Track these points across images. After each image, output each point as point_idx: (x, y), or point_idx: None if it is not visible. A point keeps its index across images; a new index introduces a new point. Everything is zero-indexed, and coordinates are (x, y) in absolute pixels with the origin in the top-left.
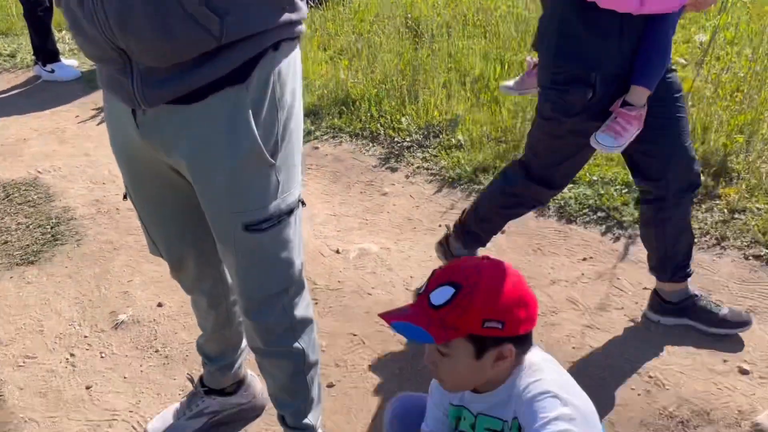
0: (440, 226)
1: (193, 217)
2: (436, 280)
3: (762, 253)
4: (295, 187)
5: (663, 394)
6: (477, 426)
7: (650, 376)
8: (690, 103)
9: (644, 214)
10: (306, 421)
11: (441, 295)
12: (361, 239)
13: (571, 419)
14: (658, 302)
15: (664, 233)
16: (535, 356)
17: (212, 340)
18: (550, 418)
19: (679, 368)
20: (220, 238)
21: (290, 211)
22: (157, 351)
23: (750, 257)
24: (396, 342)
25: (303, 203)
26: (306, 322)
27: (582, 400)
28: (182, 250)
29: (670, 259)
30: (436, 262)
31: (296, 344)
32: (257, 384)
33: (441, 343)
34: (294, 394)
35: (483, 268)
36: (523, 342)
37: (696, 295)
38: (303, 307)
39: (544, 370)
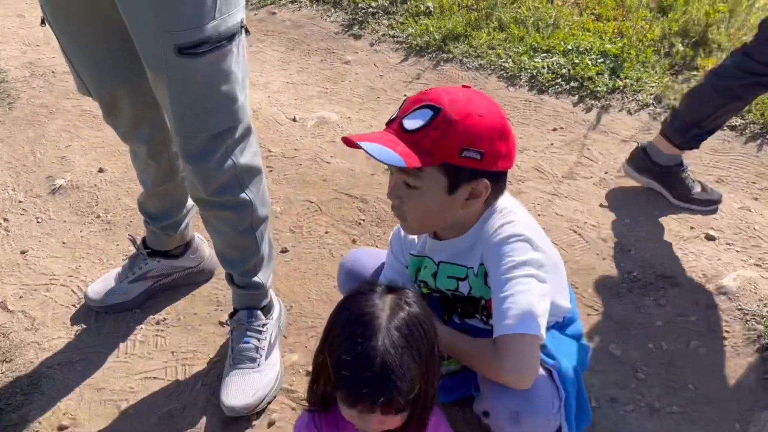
0: (405, 96)
1: (125, 48)
2: (411, 103)
3: (735, 124)
4: (237, 11)
5: (628, 259)
6: (439, 274)
7: (616, 242)
8: None
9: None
10: (256, 279)
11: (417, 118)
12: (319, 108)
13: (540, 266)
14: (643, 159)
15: (724, 106)
16: (507, 200)
17: (154, 196)
18: (518, 262)
19: (646, 234)
20: (151, 64)
21: (231, 37)
22: (98, 217)
23: (723, 127)
24: (354, 210)
25: (247, 31)
26: (253, 171)
27: (552, 250)
28: (115, 89)
29: (698, 127)
30: None
31: (243, 195)
32: (206, 248)
33: (412, 167)
34: (242, 250)
35: (466, 94)
36: (499, 180)
37: (683, 166)
38: (250, 155)
39: (516, 213)
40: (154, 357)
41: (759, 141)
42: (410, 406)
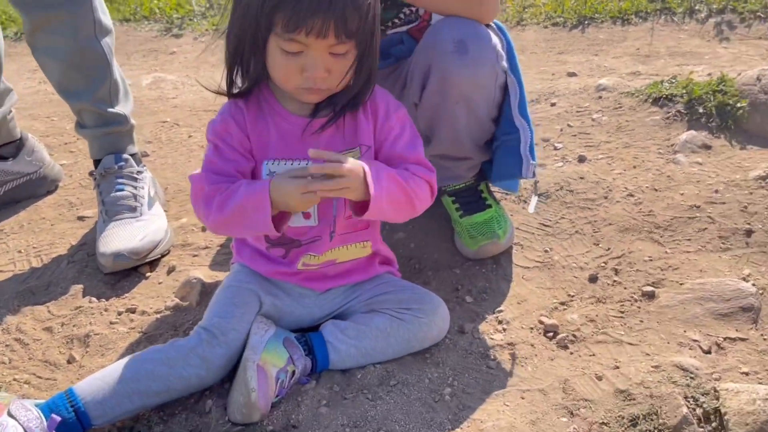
0: None
1: None
2: None
3: (557, 21)
4: None
5: None
6: None
7: None
8: None
9: None
10: (114, 110)
11: None
12: (152, 75)
13: None
14: None
15: None
16: None
17: None
18: None
19: None
20: None
21: None
22: None
23: (548, 26)
24: None
25: None
26: None
27: None
28: None
29: None
30: None
31: None
32: (44, 151)
33: None
34: (89, 71)
35: None
36: None
37: None
38: None
39: None
40: None
41: None
42: (358, 38)
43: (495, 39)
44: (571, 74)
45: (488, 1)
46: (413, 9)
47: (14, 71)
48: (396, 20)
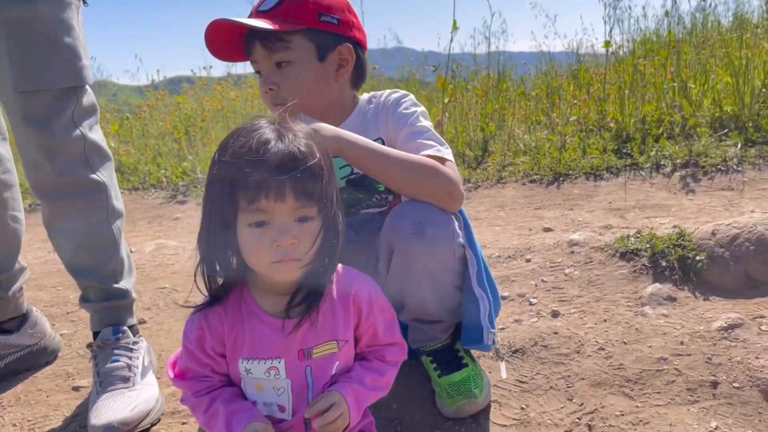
0: None
1: None
2: None
3: (534, 178)
4: None
5: None
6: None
7: None
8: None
9: None
10: (119, 286)
11: (270, 0)
12: (155, 241)
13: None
14: None
15: None
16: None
17: None
18: (419, 112)
19: None
20: None
21: None
22: None
23: (525, 183)
24: None
25: (85, 2)
26: (104, 155)
27: None
28: None
29: None
30: None
31: (94, 176)
32: (46, 323)
33: (282, 30)
34: (99, 251)
35: None
36: (359, 52)
37: None
38: (99, 135)
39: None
40: None
41: None
42: (320, 203)
43: (451, 219)
44: (547, 229)
45: (457, 197)
46: (384, 196)
47: (26, 242)
48: (368, 203)
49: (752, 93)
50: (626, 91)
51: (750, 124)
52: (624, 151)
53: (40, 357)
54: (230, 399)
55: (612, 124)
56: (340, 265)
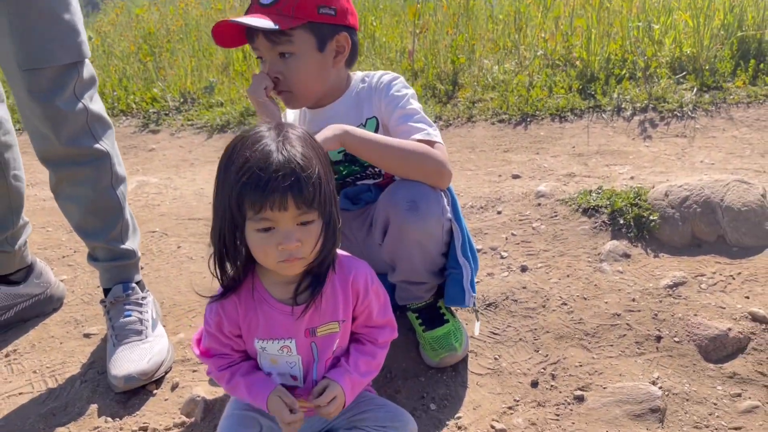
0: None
1: None
2: None
3: (503, 118)
4: None
5: None
6: None
7: None
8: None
9: None
10: (125, 246)
11: None
12: (135, 178)
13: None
14: None
15: None
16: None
17: None
18: (410, 95)
19: None
20: None
21: None
22: None
23: (495, 122)
24: (201, 226)
25: None
26: (105, 124)
27: None
28: None
29: None
30: None
31: (98, 145)
32: (50, 273)
33: (285, 28)
34: (105, 214)
35: None
36: (353, 36)
37: None
38: (99, 106)
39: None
40: (12, 380)
41: None
42: (320, 207)
43: (441, 196)
44: (516, 176)
45: (446, 177)
46: (377, 170)
47: None
48: (363, 175)
49: (711, 35)
50: (593, 30)
51: (707, 67)
52: (588, 91)
53: (47, 305)
54: (249, 371)
55: (578, 63)
56: (340, 252)
